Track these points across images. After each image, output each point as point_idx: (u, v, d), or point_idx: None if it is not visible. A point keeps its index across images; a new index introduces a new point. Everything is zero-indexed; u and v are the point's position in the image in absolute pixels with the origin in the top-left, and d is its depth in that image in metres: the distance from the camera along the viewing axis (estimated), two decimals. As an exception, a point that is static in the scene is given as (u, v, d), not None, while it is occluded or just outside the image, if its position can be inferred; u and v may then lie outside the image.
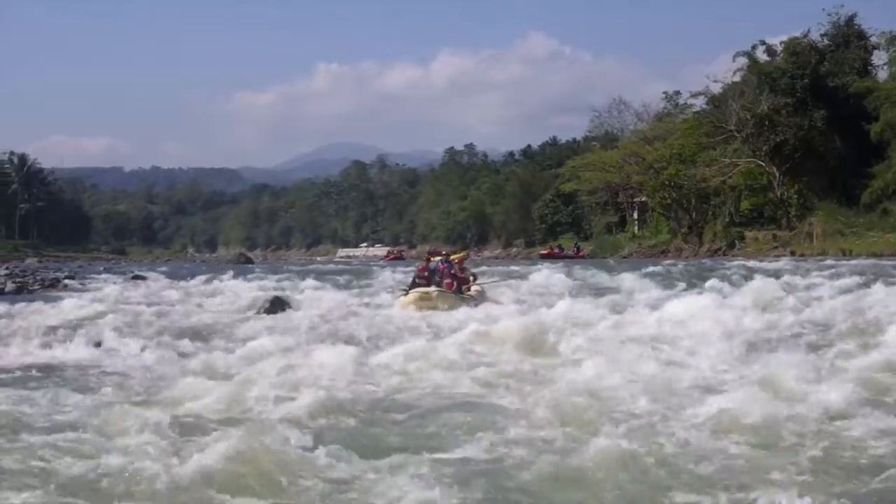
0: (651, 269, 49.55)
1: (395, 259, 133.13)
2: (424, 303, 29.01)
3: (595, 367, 17.38)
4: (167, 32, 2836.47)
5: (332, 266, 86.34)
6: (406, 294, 30.71)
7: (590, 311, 27.03)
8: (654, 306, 27.54)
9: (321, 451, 12.05)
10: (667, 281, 39.25)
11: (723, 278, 37.02)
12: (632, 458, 10.91)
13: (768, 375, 15.17)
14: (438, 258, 33.46)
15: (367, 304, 32.76)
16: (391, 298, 32.78)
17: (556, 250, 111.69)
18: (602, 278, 43.53)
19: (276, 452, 12.07)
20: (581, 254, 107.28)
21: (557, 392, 15.05)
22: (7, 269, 67.96)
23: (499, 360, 20.00)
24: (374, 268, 73.16)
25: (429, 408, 14.83)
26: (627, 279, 39.53)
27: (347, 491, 10.22)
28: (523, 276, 46.08)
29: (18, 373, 19.38)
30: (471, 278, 33.40)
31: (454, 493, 10.01)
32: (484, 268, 61.99)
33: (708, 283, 35.00)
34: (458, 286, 31.34)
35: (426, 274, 31.67)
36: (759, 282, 31.78)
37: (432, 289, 30.35)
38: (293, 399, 15.28)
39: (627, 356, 18.58)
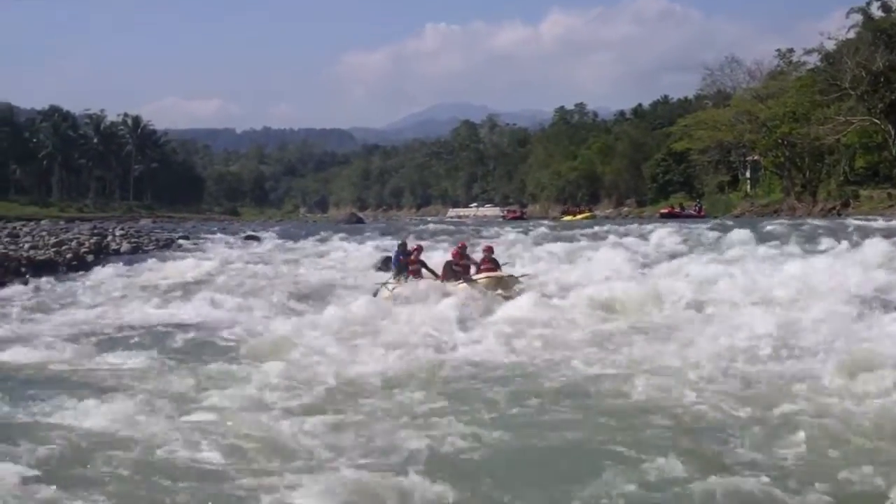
0: (767, 228, 49.20)
1: (516, 218, 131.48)
2: (502, 289, 25.30)
3: (717, 327, 17.47)
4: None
5: (443, 226, 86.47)
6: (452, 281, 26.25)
7: (710, 270, 27.01)
8: (772, 265, 27.43)
9: (431, 410, 12.22)
10: (783, 240, 38.88)
11: (839, 237, 36.57)
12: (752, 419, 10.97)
13: (887, 334, 15.12)
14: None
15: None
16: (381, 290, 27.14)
17: (677, 209, 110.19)
18: (719, 237, 43.18)
19: (390, 411, 12.26)
20: (702, 213, 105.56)
21: (669, 353, 15.14)
22: (122, 229, 69.05)
23: (621, 319, 20.20)
24: (493, 228, 73.11)
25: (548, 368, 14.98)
26: (744, 238, 39.19)
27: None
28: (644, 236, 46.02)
29: (140, 331, 19.83)
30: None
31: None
32: (608, 226, 61.95)
33: (824, 242, 34.65)
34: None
35: (462, 260, 27.73)
36: (875, 241, 31.37)
37: (503, 273, 27.03)
38: (404, 358, 15.45)
39: (747, 316, 18.57)
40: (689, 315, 20.19)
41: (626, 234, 48.90)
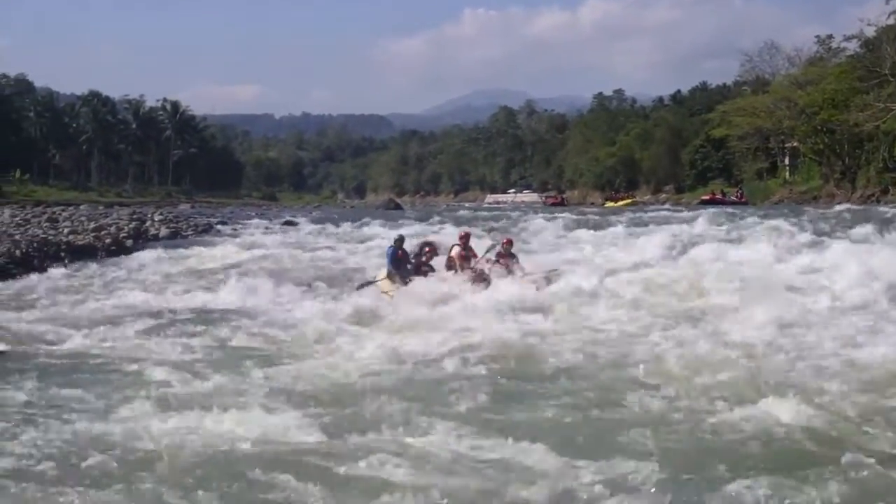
0: (806, 214, 49.08)
1: (557, 204, 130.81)
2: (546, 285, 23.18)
3: (743, 315, 17.50)
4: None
5: (481, 213, 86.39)
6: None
7: (741, 255, 27.03)
8: (806, 252, 27.36)
9: (477, 393, 12.33)
10: (819, 226, 38.75)
11: (875, 225, 36.40)
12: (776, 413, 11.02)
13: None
14: None
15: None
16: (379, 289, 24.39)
17: (719, 195, 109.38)
18: (759, 223, 43.05)
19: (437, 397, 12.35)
20: (744, 199, 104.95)
21: (704, 340, 15.20)
22: (161, 214, 69.39)
23: (655, 304, 20.25)
24: (529, 213, 73.03)
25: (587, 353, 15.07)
26: (779, 224, 39.07)
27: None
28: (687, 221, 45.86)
29: (178, 316, 19.97)
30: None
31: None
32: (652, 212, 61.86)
33: (859, 230, 34.47)
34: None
35: (467, 249, 25.27)
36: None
37: (547, 270, 24.70)
38: (432, 355, 15.50)
39: (776, 303, 18.58)
40: (727, 301, 20.23)
41: (668, 220, 48.82)
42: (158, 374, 13.74)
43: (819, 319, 16.94)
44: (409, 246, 26.71)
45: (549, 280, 23.89)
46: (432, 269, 25.09)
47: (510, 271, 24.04)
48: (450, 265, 24.77)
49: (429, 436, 10.41)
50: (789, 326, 16.27)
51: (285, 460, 9.71)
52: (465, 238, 25.68)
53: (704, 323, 17.52)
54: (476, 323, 18.00)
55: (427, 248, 26.41)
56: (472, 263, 24.52)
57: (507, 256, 24.74)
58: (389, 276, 24.77)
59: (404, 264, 25.26)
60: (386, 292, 23.57)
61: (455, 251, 25.10)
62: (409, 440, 10.26)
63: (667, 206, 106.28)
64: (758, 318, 17.17)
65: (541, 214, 65.37)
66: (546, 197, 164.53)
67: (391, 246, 26.07)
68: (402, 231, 33.09)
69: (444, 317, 19.32)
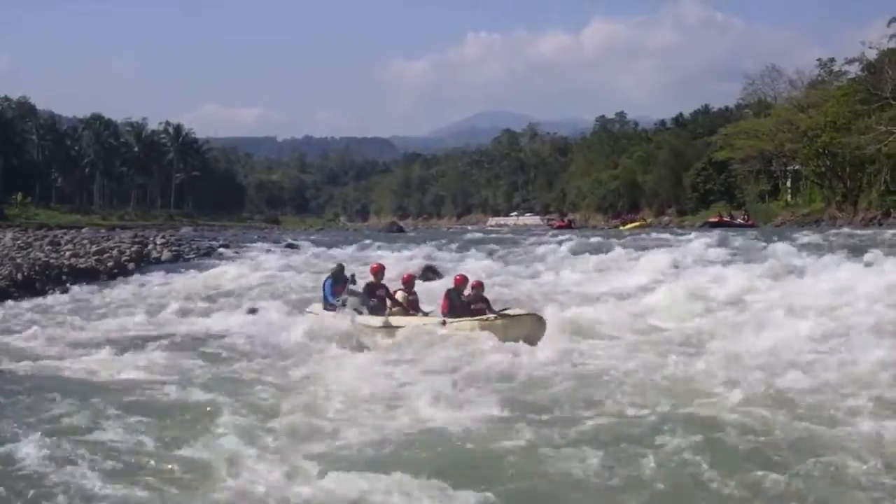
0: (806, 237, 49.11)
1: (563, 227, 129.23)
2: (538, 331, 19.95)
3: (749, 336, 17.52)
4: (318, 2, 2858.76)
5: (482, 235, 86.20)
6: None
7: (746, 279, 27.10)
8: (807, 275, 27.36)
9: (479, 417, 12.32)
10: (821, 250, 38.75)
11: (879, 247, 36.35)
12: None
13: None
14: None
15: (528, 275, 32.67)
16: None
17: (726, 218, 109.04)
18: (758, 246, 43.08)
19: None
20: (751, 222, 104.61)
21: (711, 360, 15.24)
22: (164, 237, 69.33)
23: (658, 327, 20.27)
24: (536, 237, 72.91)
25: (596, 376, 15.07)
26: (782, 248, 39.07)
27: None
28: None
29: (178, 339, 20.00)
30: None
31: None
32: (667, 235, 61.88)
33: (863, 252, 34.42)
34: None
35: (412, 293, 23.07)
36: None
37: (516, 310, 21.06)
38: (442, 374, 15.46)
39: (782, 325, 18.62)
40: (729, 323, 20.29)
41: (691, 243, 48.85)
42: (152, 398, 13.77)
43: (823, 343, 16.96)
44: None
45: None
46: (389, 295, 22.47)
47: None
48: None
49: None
50: (792, 349, 16.28)
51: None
52: (408, 281, 23.43)
53: (706, 345, 17.56)
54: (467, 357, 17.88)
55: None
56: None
57: (481, 301, 21.24)
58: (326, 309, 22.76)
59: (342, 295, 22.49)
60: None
61: (399, 296, 22.61)
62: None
63: (685, 229, 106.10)
64: (762, 340, 17.24)
65: (553, 241, 64.72)
66: (550, 220, 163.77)
67: (328, 277, 23.87)
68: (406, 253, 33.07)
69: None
